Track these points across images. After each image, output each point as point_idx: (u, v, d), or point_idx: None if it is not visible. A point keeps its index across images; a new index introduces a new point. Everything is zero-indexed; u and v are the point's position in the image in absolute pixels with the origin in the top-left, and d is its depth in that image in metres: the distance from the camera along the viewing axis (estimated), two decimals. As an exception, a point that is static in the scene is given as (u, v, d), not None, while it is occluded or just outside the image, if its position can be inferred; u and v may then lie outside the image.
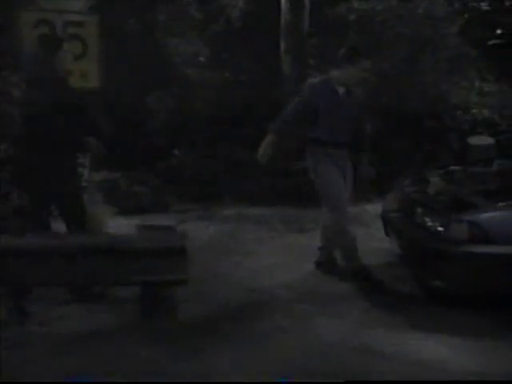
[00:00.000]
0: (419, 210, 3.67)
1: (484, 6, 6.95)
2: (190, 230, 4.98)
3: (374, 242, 4.76)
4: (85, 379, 2.48)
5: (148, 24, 7.23)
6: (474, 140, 6.62)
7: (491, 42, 3.97)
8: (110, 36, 5.92)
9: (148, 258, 2.97)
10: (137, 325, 3.14)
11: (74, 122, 3.34)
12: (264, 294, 3.80)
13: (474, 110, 7.73)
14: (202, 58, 7.79)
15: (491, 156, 5.16)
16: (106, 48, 4.44)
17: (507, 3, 6.49)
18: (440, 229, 3.41)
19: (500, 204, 3.41)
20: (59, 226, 3.68)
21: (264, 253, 4.70)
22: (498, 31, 3.85)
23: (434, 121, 7.39)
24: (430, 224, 3.52)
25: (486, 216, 3.30)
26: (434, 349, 2.99)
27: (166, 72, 7.03)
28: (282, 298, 3.74)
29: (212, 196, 6.38)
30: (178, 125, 6.80)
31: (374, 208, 5.81)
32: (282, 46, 7.30)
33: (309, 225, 5.57)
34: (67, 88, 3.47)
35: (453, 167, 4.32)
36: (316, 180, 3.87)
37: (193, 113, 7.07)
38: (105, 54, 4.52)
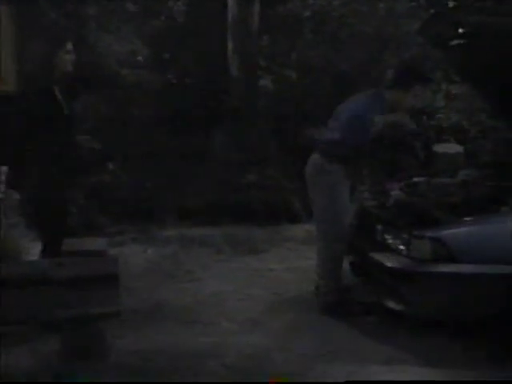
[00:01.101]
0: (379, 226, 3.75)
1: (451, 2, 7.21)
2: (124, 255, 5.06)
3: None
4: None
5: (74, 18, 7.18)
6: (441, 148, 6.77)
7: (454, 42, 4.11)
8: (27, 31, 5.84)
9: (72, 288, 2.91)
10: (60, 369, 3.04)
11: None
12: (208, 327, 3.80)
13: (441, 115, 7.95)
14: (139, 58, 7.80)
15: (459, 165, 5.27)
16: (22, 45, 4.36)
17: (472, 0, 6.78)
18: (401, 247, 3.49)
19: (466, 219, 3.48)
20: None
21: (210, 279, 4.74)
22: (460, 30, 4.00)
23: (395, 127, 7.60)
24: (390, 242, 3.59)
25: (450, 232, 3.36)
26: (396, 376, 3.06)
27: (96, 73, 6.94)
28: (228, 331, 3.74)
29: (150, 215, 6.40)
30: (110, 134, 6.70)
31: None
32: (230, 45, 7.37)
33: (261, 245, 5.66)
34: None
35: (415, 178, 4.42)
36: (325, 201, 3.89)
37: (128, 120, 7.02)
38: (20, 52, 4.44)
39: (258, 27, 7.47)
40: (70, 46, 3.78)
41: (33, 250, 4.80)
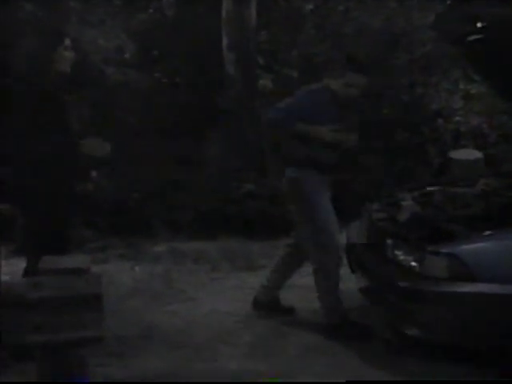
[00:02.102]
0: (389, 240, 3.73)
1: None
2: (109, 273, 5.08)
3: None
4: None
5: (52, 10, 7.21)
6: (458, 154, 6.74)
7: (472, 38, 4.11)
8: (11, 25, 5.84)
9: (49, 311, 2.89)
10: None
11: None
12: (202, 352, 3.79)
13: (458, 118, 7.95)
14: (126, 55, 7.81)
15: (479, 173, 5.28)
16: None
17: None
18: (413, 264, 3.48)
19: (486, 233, 3.46)
20: None
21: (204, 298, 4.75)
22: (479, 24, 4.00)
23: (408, 132, 7.59)
24: (401, 258, 3.58)
25: (468, 248, 3.34)
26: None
27: (77, 72, 6.92)
28: (225, 355, 3.73)
29: (138, 228, 6.41)
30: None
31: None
32: (225, 40, 7.36)
33: (259, 261, 5.65)
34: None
35: (429, 188, 4.40)
36: (305, 212, 4.00)
37: (113, 124, 7.04)
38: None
39: (255, 22, 7.50)
40: (68, 41, 3.82)
41: (4, 269, 4.83)
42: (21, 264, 5.14)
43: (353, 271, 4.35)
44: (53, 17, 7.26)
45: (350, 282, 4.36)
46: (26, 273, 3.79)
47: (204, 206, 6.56)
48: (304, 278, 4.52)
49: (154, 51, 8.04)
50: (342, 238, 4.16)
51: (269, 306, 4.36)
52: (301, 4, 7.93)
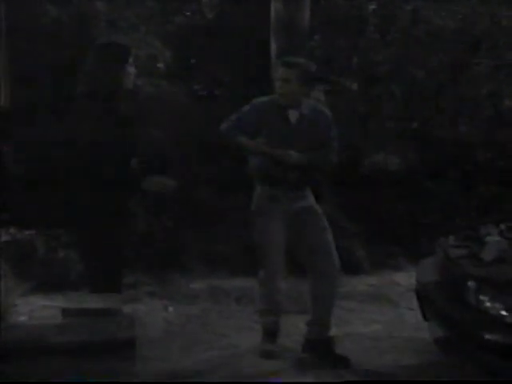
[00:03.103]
0: (471, 283, 3.67)
1: None
2: (139, 313, 5.12)
3: (405, 328, 4.85)
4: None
5: (79, 14, 7.30)
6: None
7: None
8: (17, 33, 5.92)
9: (77, 357, 2.89)
10: None
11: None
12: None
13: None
14: (159, 64, 7.84)
15: None
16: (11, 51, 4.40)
17: None
18: (504, 313, 3.42)
19: None
20: None
21: (248, 345, 4.69)
22: None
23: (491, 152, 7.54)
24: (488, 305, 3.51)
25: None
26: None
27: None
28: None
29: (172, 262, 6.44)
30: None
31: (406, 278, 6.02)
32: (273, 47, 7.38)
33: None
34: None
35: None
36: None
37: (144, 142, 7.07)
38: (10, 60, 4.49)
39: (308, 25, 7.49)
40: (132, 56, 4.00)
41: (21, 308, 4.87)
42: (38, 302, 5.26)
43: (426, 319, 4.32)
44: (80, 22, 7.42)
45: (422, 332, 4.32)
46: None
47: (247, 237, 6.42)
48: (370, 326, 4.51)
49: (191, 59, 8.15)
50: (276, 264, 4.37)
51: (320, 348, 4.37)
52: (361, 3, 7.93)
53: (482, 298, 3.56)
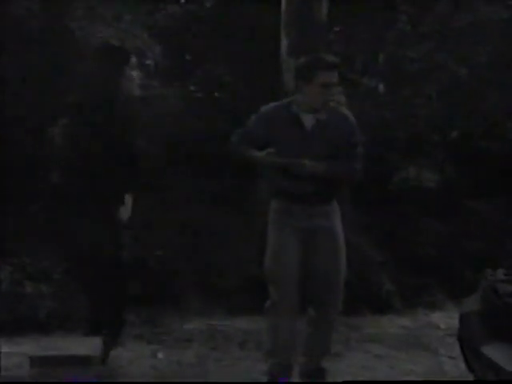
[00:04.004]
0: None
1: None
2: (124, 361, 5.07)
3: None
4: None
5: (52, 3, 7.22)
6: None
7: None
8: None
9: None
10: None
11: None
12: None
13: None
14: (148, 61, 7.76)
15: None
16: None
17: None
18: None
19: None
20: None
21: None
22: None
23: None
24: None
25: None
26: None
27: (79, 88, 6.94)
28: None
29: (163, 297, 6.35)
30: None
31: (445, 320, 6.11)
32: (284, 42, 7.29)
33: (332, 347, 5.29)
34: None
35: None
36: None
37: (131, 153, 7.00)
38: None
39: (326, 14, 7.35)
40: (133, 59, 4.06)
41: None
42: (1, 348, 5.14)
43: (471, 369, 4.24)
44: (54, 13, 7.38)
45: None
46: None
47: (254, 267, 6.25)
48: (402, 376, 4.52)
49: (187, 55, 8.06)
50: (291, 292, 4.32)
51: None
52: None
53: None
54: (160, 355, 5.46)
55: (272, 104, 4.45)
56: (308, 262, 4.38)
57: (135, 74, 4.18)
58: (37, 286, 6.17)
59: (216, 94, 7.91)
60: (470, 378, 4.31)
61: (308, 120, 4.29)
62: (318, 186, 4.29)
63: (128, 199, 4.64)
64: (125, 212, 4.65)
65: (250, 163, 4.52)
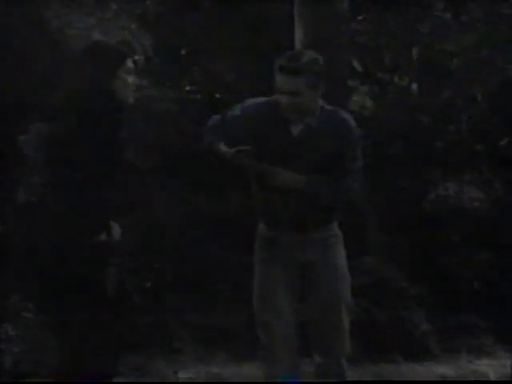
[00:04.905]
0: None
1: None
2: None
3: None
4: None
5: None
6: None
7: None
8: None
9: None
10: None
11: None
12: None
13: None
14: (137, 56, 7.61)
15: None
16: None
17: None
18: None
19: None
20: None
21: None
22: None
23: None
24: None
25: None
26: None
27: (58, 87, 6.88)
28: None
29: (154, 342, 6.39)
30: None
31: (495, 368, 6.12)
32: (298, 34, 7.30)
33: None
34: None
35: None
36: None
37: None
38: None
39: (348, 3, 7.28)
40: (131, 62, 4.09)
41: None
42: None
43: None
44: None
45: None
46: None
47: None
48: None
49: (182, 49, 7.98)
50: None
51: None
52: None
53: None
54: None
55: (260, 99, 4.22)
56: (306, 300, 4.26)
57: (131, 79, 4.01)
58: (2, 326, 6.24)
59: (217, 96, 7.84)
60: None
61: (296, 124, 4.08)
62: (304, 206, 4.10)
63: (113, 224, 4.37)
64: (111, 237, 4.40)
65: (218, 159, 4.20)
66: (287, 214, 4.15)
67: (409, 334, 6.52)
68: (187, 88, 7.88)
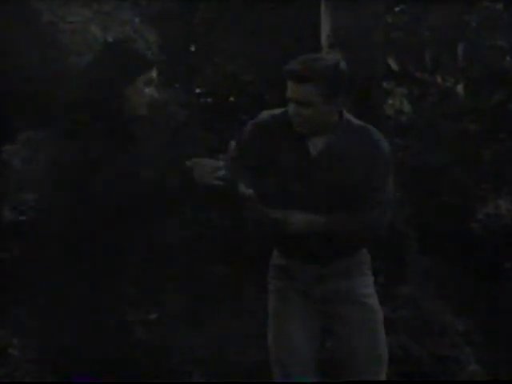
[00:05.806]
0: None
1: None
2: None
3: None
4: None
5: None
6: None
7: None
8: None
9: None
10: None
11: None
12: None
13: None
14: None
15: None
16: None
17: None
18: None
19: None
20: None
21: None
22: None
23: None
24: None
25: None
26: None
27: (53, 89, 6.88)
28: None
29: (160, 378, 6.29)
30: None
31: None
32: (325, 29, 7.26)
33: None
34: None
35: None
36: None
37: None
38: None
39: None
40: (154, 72, 4.06)
41: None
42: None
43: None
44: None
45: None
46: None
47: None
48: None
49: (191, 46, 8.07)
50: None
51: None
52: None
53: None
54: None
55: (271, 112, 4.20)
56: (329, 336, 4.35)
57: (148, 90, 3.95)
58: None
59: (231, 99, 7.84)
60: None
61: (315, 143, 4.04)
62: (321, 240, 4.07)
63: None
64: None
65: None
66: (305, 245, 4.09)
67: (456, 374, 6.45)
68: (197, 90, 7.92)
